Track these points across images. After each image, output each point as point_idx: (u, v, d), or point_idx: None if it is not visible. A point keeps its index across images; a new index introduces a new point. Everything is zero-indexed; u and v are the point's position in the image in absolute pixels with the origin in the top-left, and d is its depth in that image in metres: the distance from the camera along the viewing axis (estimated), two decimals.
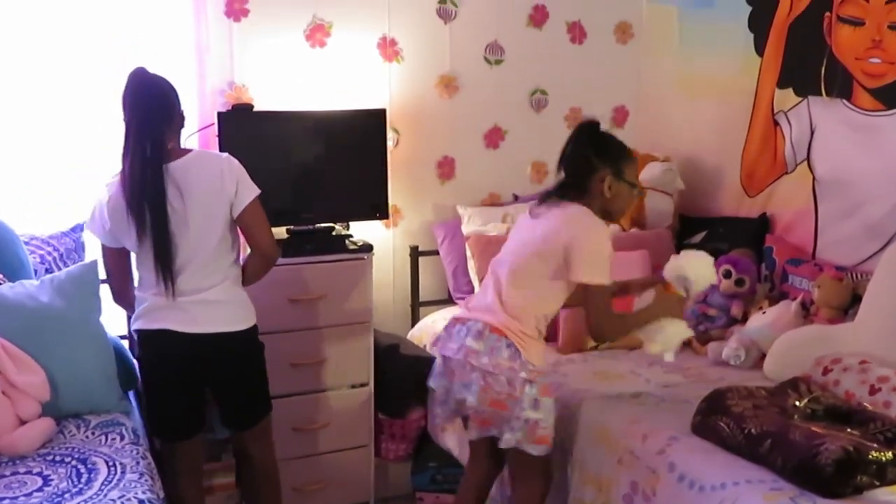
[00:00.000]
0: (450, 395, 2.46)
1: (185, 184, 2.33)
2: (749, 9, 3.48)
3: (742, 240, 3.42)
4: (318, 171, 3.22)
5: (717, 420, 2.22)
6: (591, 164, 2.40)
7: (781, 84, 3.38)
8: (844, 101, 3.12)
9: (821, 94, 3.22)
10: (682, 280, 2.44)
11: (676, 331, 2.50)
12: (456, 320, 2.46)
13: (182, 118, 2.47)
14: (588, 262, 2.32)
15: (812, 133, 3.27)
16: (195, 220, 2.35)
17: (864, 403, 2.29)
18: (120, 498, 2.01)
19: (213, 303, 2.40)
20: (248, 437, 2.62)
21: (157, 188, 2.30)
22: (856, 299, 2.81)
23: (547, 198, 2.48)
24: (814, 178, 3.27)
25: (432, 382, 2.53)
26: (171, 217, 2.32)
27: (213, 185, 2.37)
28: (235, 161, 2.43)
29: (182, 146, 2.49)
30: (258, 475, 2.68)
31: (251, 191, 2.41)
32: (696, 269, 2.44)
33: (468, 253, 3.50)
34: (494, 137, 3.86)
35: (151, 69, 2.43)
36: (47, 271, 2.81)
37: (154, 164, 2.31)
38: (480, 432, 2.44)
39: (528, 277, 2.39)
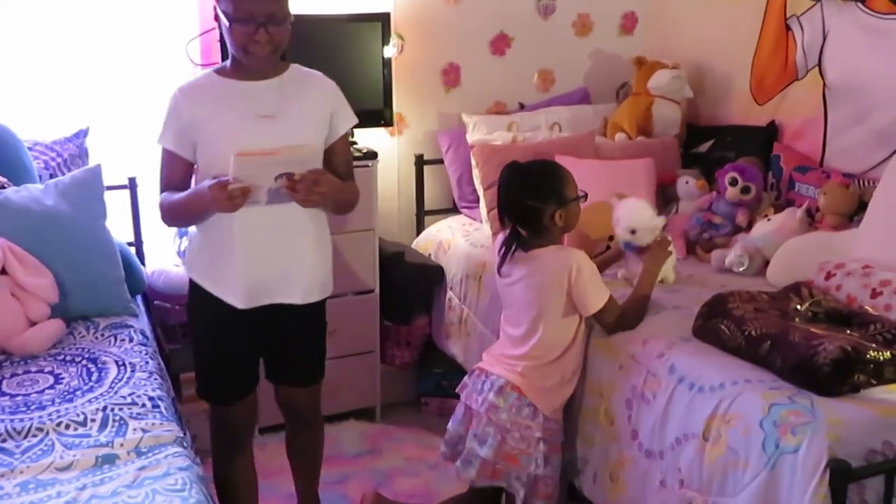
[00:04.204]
0: (460, 440, 2.50)
1: None
2: None
3: (750, 148, 3.39)
4: None
5: (717, 323, 2.23)
6: (535, 207, 2.38)
7: None
8: (859, 4, 3.04)
9: None
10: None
11: (671, 260, 2.64)
12: (480, 371, 2.49)
13: None
14: (592, 293, 2.37)
15: (824, 38, 3.20)
16: None
17: (866, 307, 2.30)
18: (130, 395, 2.06)
19: None
20: None
21: None
22: (862, 206, 2.79)
23: (511, 252, 2.46)
24: (824, 85, 3.22)
25: (450, 425, 2.55)
26: None
27: None
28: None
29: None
30: None
31: None
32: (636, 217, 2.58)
33: (473, 162, 3.48)
34: (500, 44, 3.80)
35: None
36: (51, 177, 2.81)
37: None
38: (490, 481, 2.46)
39: (541, 336, 2.40)
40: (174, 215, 2.26)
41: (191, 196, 2.16)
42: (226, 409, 2.37)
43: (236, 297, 2.20)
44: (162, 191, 2.25)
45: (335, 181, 2.20)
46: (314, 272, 2.30)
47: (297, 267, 2.25)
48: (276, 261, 2.21)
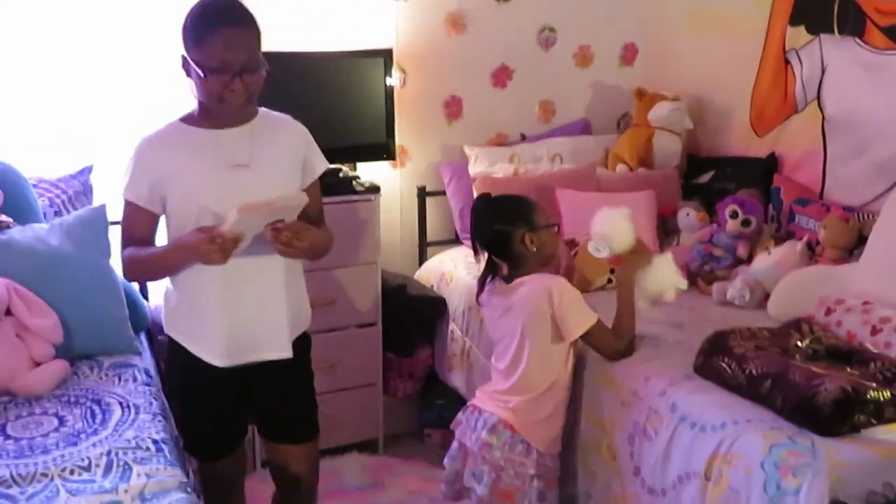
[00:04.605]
0: (458, 478, 2.53)
1: None
2: None
3: (750, 180, 3.41)
4: (325, 112, 3.20)
5: (719, 361, 2.24)
6: (504, 232, 2.42)
7: (793, 21, 3.33)
8: (857, 39, 3.07)
9: (833, 32, 3.16)
10: (603, 238, 2.47)
11: (668, 271, 2.51)
12: (474, 408, 2.51)
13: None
14: (574, 317, 2.37)
15: (823, 72, 3.23)
16: None
17: (866, 344, 2.31)
18: (135, 438, 2.05)
19: None
20: None
21: None
22: (862, 240, 2.80)
23: (489, 281, 2.53)
24: (823, 118, 3.24)
25: (446, 462, 2.57)
26: None
27: None
28: None
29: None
30: None
31: None
32: (615, 227, 2.47)
33: (475, 194, 3.50)
34: (502, 76, 3.83)
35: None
36: (56, 214, 2.82)
37: None
38: None
39: (527, 367, 2.42)
40: (145, 270, 2.21)
41: (170, 249, 2.10)
42: (212, 465, 2.34)
43: (216, 353, 2.16)
44: (125, 245, 2.17)
45: (315, 235, 2.14)
46: (293, 319, 2.23)
47: (276, 316, 2.18)
48: (256, 308, 2.15)
